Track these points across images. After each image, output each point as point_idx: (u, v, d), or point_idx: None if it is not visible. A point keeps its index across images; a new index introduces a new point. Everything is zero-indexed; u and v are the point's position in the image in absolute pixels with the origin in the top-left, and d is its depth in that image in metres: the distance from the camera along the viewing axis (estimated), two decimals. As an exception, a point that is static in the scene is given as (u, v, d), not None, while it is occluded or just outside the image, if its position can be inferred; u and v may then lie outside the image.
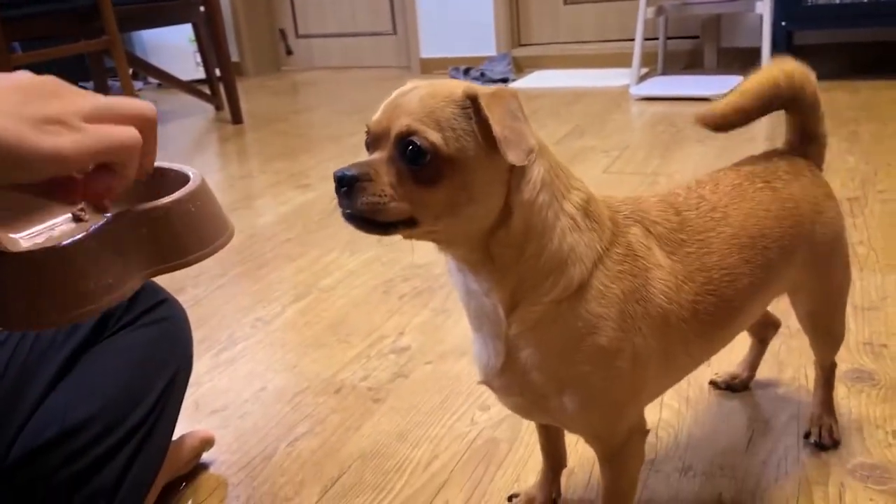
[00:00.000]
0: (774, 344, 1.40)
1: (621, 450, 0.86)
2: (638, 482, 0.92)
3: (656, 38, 3.95)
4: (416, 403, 1.36)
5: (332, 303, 1.80)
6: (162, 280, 0.80)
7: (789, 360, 1.36)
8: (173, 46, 4.90)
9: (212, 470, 1.24)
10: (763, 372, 1.32)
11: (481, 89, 0.71)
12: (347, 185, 0.70)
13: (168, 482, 1.16)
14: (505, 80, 4.23)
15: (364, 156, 0.74)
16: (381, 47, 5.17)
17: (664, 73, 3.99)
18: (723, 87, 3.44)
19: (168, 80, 4.26)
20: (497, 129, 0.68)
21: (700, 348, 0.88)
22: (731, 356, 1.32)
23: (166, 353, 1.07)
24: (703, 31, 4.10)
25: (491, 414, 1.29)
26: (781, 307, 1.15)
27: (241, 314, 1.79)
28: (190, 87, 4.26)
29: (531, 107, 3.66)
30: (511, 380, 0.81)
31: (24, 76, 0.57)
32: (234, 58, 4.68)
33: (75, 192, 0.60)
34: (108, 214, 0.63)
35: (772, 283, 0.93)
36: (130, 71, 3.53)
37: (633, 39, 3.71)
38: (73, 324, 0.97)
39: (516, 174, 0.72)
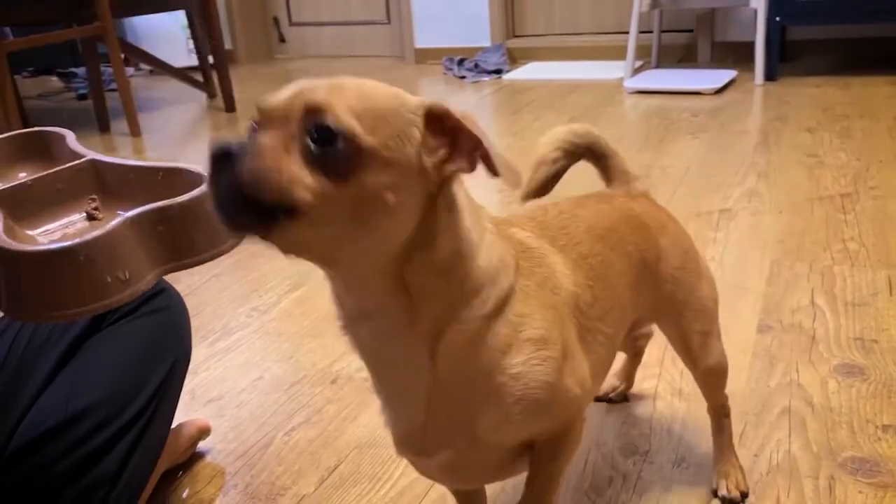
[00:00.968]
0: (766, 339, 1.42)
1: (564, 436, 0.82)
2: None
3: (651, 32, 3.96)
4: (411, 394, 1.37)
5: (329, 293, 1.80)
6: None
7: (780, 354, 1.38)
8: (166, 33, 4.86)
9: (209, 459, 1.25)
10: (755, 366, 1.34)
11: (448, 105, 0.64)
12: (225, 156, 0.57)
13: (165, 471, 1.17)
14: (499, 72, 4.24)
15: None
16: (375, 37, 5.15)
17: (658, 66, 4.00)
18: (716, 81, 3.46)
19: (161, 67, 4.24)
20: (488, 146, 0.61)
21: (605, 335, 0.88)
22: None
23: (166, 342, 1.07)
24: (697, 24, 4.12)
25: (486, 405, 1.30)
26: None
27: (237, 303, 1.79)
28: (183, 75, 4.24)
29: (525, 98, 3.66)
30: (439, 430, 0.74)
31: None
32: (227, 45, 4.65)
33: None
34: (124, 213, 0.64)
35: (636, 276, 0.93)
36: (123, 57, 3.51)
37: (627, 32, 3.72)
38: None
39: (443, 198, 0.65)
